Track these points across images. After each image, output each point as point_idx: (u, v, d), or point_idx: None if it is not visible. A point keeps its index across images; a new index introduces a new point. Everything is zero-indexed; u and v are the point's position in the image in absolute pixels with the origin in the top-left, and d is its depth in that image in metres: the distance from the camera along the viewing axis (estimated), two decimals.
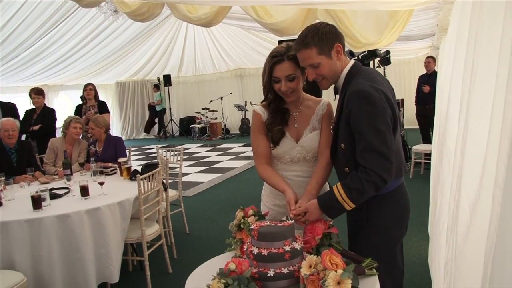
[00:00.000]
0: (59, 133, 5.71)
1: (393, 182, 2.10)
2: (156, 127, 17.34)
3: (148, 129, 17.30)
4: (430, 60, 8.35)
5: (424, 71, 8.60)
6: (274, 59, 2.26)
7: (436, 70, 7.94)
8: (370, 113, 1.98)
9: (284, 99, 2.37)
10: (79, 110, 6.75)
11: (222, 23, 4.76)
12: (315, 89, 2.60)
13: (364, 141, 1.99)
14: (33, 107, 6.55)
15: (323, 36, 2.06)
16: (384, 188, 2.03)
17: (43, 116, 6.46)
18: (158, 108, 16.54)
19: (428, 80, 8.22)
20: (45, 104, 6.66)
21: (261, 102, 2.48)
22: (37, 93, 6.45)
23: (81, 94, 7.06)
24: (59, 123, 6.10)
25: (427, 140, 8.41)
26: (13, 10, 6.79)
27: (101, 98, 7.16)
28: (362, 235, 2.23)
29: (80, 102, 6.98)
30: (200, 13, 4.25)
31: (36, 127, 6.32)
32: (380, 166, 1.97)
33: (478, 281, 1.20)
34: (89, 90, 6.70)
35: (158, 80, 16.32)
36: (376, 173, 1.96)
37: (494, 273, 0.96)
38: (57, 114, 6.80)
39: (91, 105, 6.71)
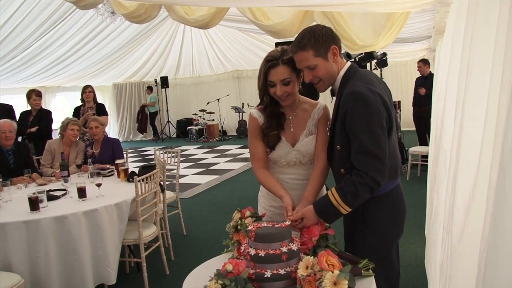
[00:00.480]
0: (54, 135, 5.70)
1: (389, 183, 2.12)
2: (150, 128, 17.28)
3: (144, 129, 17.20)
4: (421, 65, 8.41)
5: None
6: (269, 63, 2.26)
7: (432, 72, 7.99)
8: (365, 115, 1.99)
9: (280, 103, 2.38)
10: (77, 111, 6.76)
11: (219, 25, 4.77)
12: (311, 91, 2.61)
13: (358, 142, 2.01)
14: (28, 109, 6.57)
15: (319, 38, 2.08)
16: (380, 189, 2.05)
17: (40, 118, 6.48)
18: (151, 110, 16.54)
19: (424, 83, 8.27)
20: (41, 106, 6.68)
21: (257, 105, 2.49)
22: (38, 94, 6.51)
23: (79, 95, 7.07)
24: (57, 125, 6.09)
25: (424, 142, 8.44)
26: (11, 11, 6.78)
27: (98, 100, 7.17)
28: (359, 236, 2.25)
29: (79, 103, 6.99)
30: (197, 15, 4.26)
31: (34, 129, 6.33)
32: (373, 168, 1.99)
33: (472, 281, 1.21)
34: (89, 93, 6.74)
35: (156, 81, 16.33)
36: (369, 175, 1.98)
37: (487, 273, 0.97)
38: (54, 115, 6.81)
39: (90, 107, 6.72)
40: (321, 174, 2.34)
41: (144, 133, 17.14)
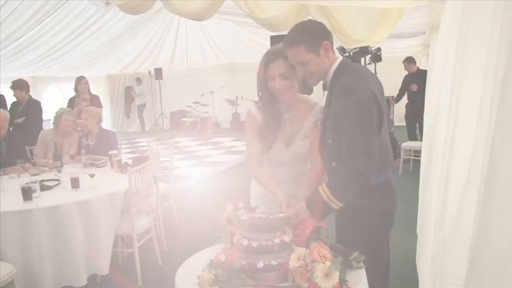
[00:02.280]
0: (45, 126, 5.64)
1: (379, 176, 2.15)
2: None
3: (127, 113, 17.21)
4: (406, 64, 8.53)
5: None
6: (269, 56, 2.29)
7: (420, 68, 8.10)
8: (355, 111, 2.02)
9: (278, 101, 2.39)
10: (71, 103, 6.74)
11: (214, 17, 4.76)
12: (305, 84, 2.62)
13: (348, 137, 2.04)
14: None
15: (311, 34, 2.10)
16: (371, 182, 2.07)
17: (28, 108, 6.43)
18: (138, 103, 16.48)
19: (413, 79, 8.33)
20: (30, 96, 6.63)
21: (256, 103, 2.50)
22: (15, 87, 6.40)
23: (72, 86, 7.04)
24: (49, 115, 6.06)
25: (413, 137, 8.54)
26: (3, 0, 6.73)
27: (91, 90, 7.14)
28: (350, 228, 2.27)
29: (72, 94, 6.97)
30: (192, 6, 4.24)
31: (20, 120, 6.28)
32: (361, 163, 2.02)
33: (463, 274, 1.23)
34: (84, 84, 6.75)
35: (149, 73, 16.25)
36: (357, 170, 2.01)
37: (474, 265, 0.99)
38: (46, 106, 6.77)
39: (84, 98, 6.71)
40: (317, 177, 2.37)
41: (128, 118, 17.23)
